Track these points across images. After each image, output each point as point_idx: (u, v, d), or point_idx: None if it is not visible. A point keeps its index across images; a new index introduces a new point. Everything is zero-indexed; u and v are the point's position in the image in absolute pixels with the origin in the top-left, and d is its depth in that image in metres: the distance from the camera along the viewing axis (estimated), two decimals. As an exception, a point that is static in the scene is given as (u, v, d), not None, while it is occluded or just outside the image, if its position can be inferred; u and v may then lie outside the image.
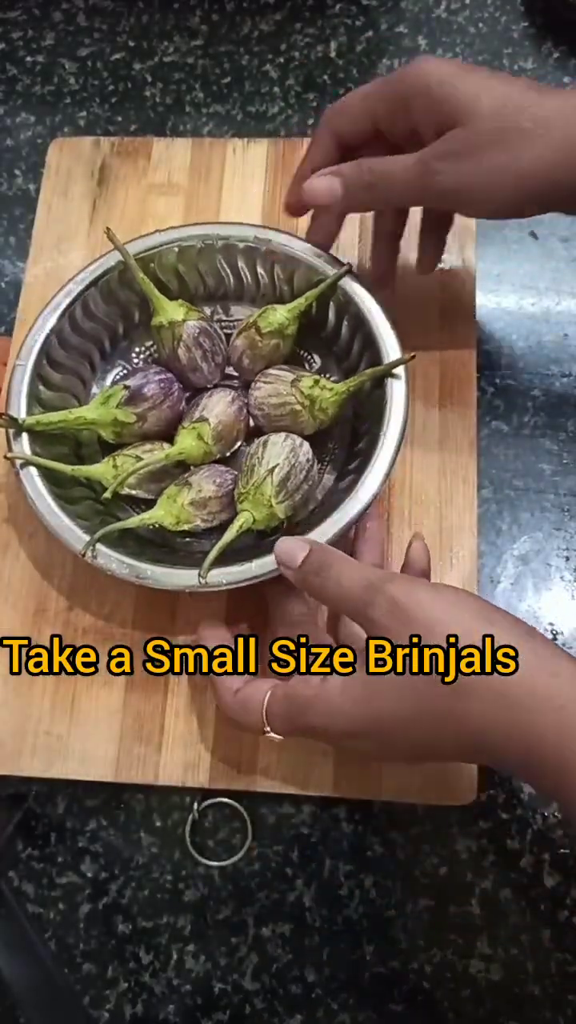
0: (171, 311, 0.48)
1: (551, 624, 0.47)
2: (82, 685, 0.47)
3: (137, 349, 0.52)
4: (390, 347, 0.46)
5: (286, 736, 0.39)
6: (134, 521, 0.44)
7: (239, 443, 0.48)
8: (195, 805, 0.45)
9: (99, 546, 0.43)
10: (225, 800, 0.45)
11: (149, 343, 0.52)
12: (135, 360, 0.52)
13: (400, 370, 0.45)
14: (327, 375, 0.50)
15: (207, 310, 0.52)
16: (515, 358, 0.53)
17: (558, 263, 0.56)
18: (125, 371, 0.52)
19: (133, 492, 0.47)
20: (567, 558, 0.49)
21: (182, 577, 0.43)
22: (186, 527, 0.45)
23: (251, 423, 0.48)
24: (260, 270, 0.51)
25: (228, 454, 0.48)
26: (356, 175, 0.43)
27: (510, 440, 0.51)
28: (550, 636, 0.47)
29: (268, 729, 0.39)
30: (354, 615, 0.38)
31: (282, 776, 0.44)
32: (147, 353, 0.52)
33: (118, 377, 0.51)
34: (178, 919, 0.45)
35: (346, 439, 0.48)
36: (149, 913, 0.45)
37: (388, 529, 0.48)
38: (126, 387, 0.46)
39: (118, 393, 0.46)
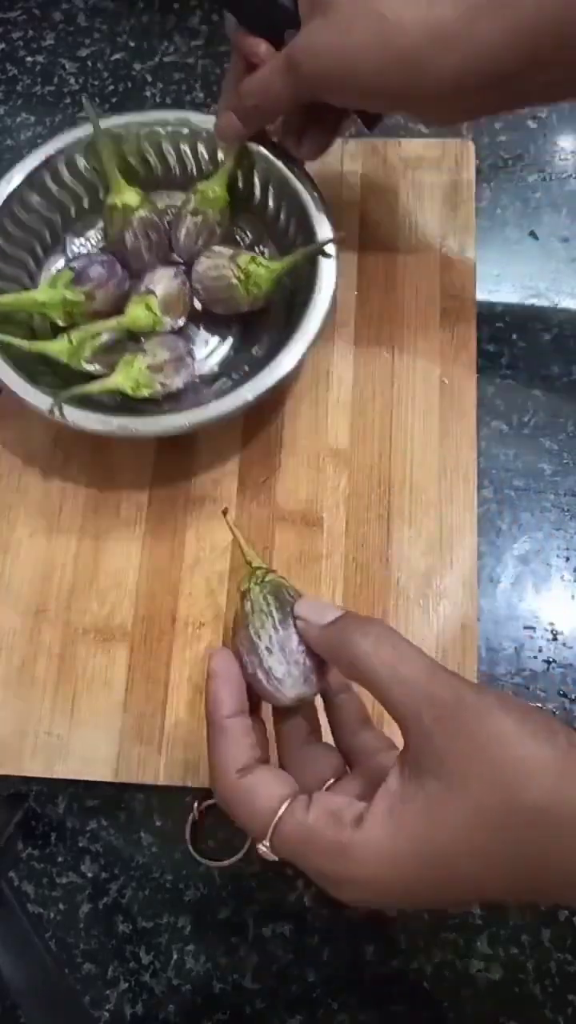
0: (127, 195, 0.50)
1: (551, 624, 0.47)
2: (82, 685, 0.47)
3: (79, 240, 0.55)
4: (322, 228, 0.48)
5: (284, 861, 0.31)
6: (95, 387, 0.46)
7: (184, 317, 0.50)
8: (195, 805, 0.45)
9: (69, 410, 0.45)
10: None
11: (90, 233, 0.55)
12: (78, 252, 0.55)
13: (332, 248, 0.47)
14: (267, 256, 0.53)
15: (161, 204, 0.54)
16: (515, 358, 0.53)
17: (558, 263, 0.56)
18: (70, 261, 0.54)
19: (90, 368, 0.49)
20: (567, 558, 0.49)
21: (167, 422, 0.45)
22: (146, 392, 0.47)
23: (194, 302, 0.51)
24: (185, 149, 0.53)
25: (177, 328, 0.50)
26: (241, 106, 0.45)
27: (510, 440, 0.51)
28: (550, 636, 0.47)
29: (267, 845, 0.31)
30: (401, 716, 0.30)
31: (282, 776, 0.44)
32: (89, 244, 0.55)
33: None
34: (178, 919, 0.45)
35: (281, 325, 0.50)
36: (149, 913, 0.45)
37: (388, 529, 0.48)
38: (72, 268, 0.49)
39: (65, 275, 0.49)
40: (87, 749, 0.46)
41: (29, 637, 0.48)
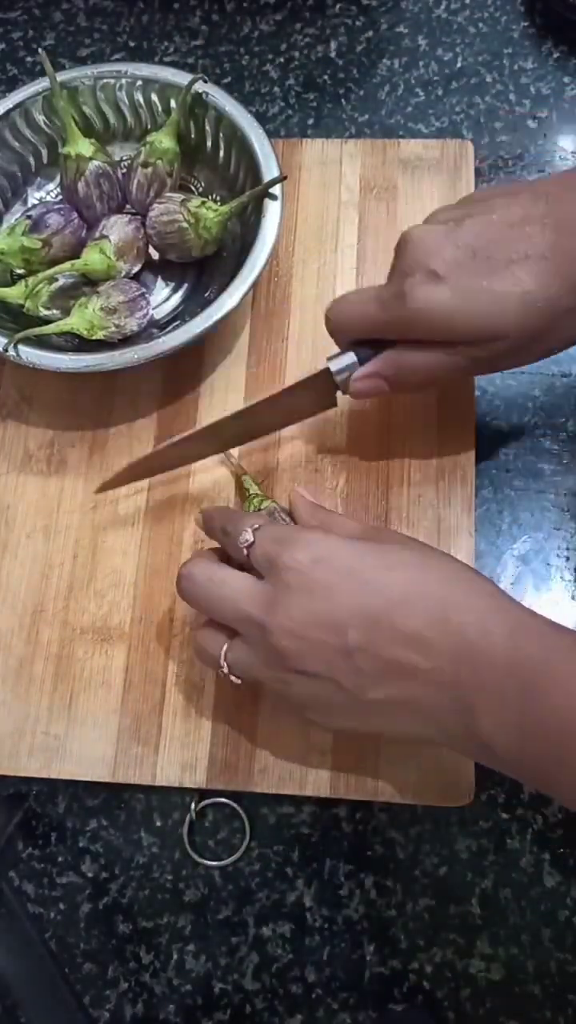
0: (81, 145, 0.51)
1: (551, 624, 0.47)
2: (80, 685, 0.47)
3: (40, 194, 0.56)
4: (269, 172, 0.50)
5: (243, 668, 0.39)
6: (50, 328, 0.48)
7: (139, 263, 0.52)
8: (192, 806, 0.45)
9: (29, 351, 0.47)
10: (224, 800, 0.45)
11: (50, 187, 0.56)
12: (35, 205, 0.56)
13: (277, 190, 0.49)
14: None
15: (118, 157, 0.55)
16: (515, 358, 0.53)
17: (558, 262, 0.55)
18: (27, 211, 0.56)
19: (47, 313, 0.50)
20: (567, 558, 0.49)
21: (117, 358, 0.46)
22: (100, 334, 0.48)
23: (148, 248, 0.53)
24: (139, 100, 0.55)
25: (132, 274, 0.52)
26: (397, 375, 0.43)
27: (510, 440, 0.51)
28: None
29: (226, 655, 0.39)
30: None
31: (279, 777, 0.44)
32: (49, 199, 0.56)
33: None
34: (178, 919, 0.45)
35: (232, 270, 0.50)
36: (149, 913, 0.45)
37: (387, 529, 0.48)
38: (29, 217, 0.51)
39: (22, 223, 0.50)
40: (85, 749, 0.46)
41: (27, 637, 0.48)
